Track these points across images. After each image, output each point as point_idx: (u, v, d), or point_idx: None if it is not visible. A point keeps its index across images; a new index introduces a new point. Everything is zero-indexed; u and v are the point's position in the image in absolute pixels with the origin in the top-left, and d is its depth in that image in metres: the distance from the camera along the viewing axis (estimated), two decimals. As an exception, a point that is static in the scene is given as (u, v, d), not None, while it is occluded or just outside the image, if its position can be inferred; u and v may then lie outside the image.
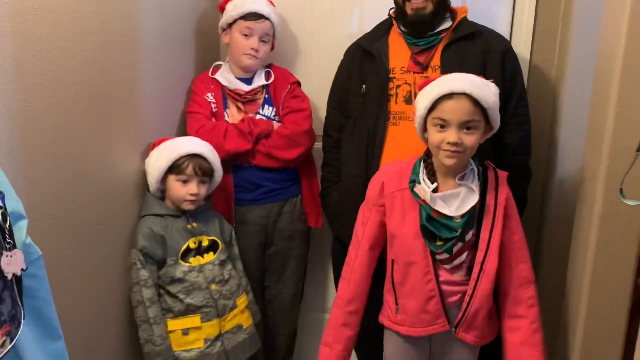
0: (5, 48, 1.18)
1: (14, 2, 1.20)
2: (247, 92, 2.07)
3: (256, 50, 2.04)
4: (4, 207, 0.87)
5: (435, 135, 1.49)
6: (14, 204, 0.95)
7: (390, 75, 1.88)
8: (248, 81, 2.10)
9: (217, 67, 2.15)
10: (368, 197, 1.67)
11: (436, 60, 1.85)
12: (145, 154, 1.87)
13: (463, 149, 1.47)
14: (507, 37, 2.20)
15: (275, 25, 2.09)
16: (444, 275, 1.58)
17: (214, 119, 2.06)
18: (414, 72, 1.86)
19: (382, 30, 1.98)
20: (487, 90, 1.49)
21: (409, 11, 1.84)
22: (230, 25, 2.08)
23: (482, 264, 1.54)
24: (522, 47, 2.21)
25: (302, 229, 2.21)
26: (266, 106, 2.10)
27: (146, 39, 1.81)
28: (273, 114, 2.10)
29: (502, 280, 1.60)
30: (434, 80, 1.54)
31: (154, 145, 1.87)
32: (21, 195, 1.01)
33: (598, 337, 1.58)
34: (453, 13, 1.91)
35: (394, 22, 1.95)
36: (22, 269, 0.89)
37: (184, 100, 2.15)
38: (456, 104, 1.46)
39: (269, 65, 2.18)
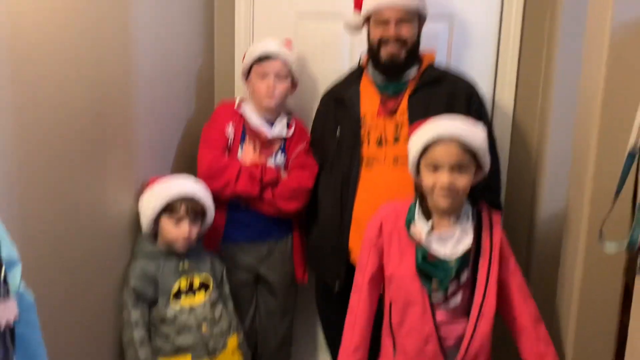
0: (4, 94, 1.22)
1: (13, 46, 1.24)
2: (269, 140, 2.12)
3: (273, 89, 2.08)
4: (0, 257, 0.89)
5: (428, 178, 1.54)
6: (8, 250, 0.96)
7: (362, 122, 1.96)
8: (270, 124, 2.14)
9: (242, 102, 2.19)
10: (366, 238, 1.69)
11: (404, 105, 1.93)
12: (139, 193, 1.89)
13: (456, 190, 1.51)
14: (492, 84, 2.28)
15: (290, 63, 2.13)
16: (441, 317, 1.58)
17: (227, 152, 2.08)
18: (383, 117, 1.94)
19: (352, 77, 2.08)
20: (475, 133, 1.54)
21: (383, 56, 1.92)
22: (248, 73, 2.14)
23: (480, 306, 1.55)
24: (506, 93, 2.27)
25: (293, 269, 2.22)
26: (280, 154, 2.15)
27: (142, 82, 1.86)
28: (283, 162, 2.15)
29: (519, 319, 1.61)
30: (424, 124, 1.59)
31: (147, 184, 1.90)
32: (15, 238, 1.03)
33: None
34: (420, 60, 1.99)
35: (365, 68, 2.03)
36: (14, 317, 0.90)
37: (178, 140, 2.20)
38: (446, 148, 1.51)
39: (291, 115, 2.22)
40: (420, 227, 1.57)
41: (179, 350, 1.79)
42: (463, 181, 1.51)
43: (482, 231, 1.58)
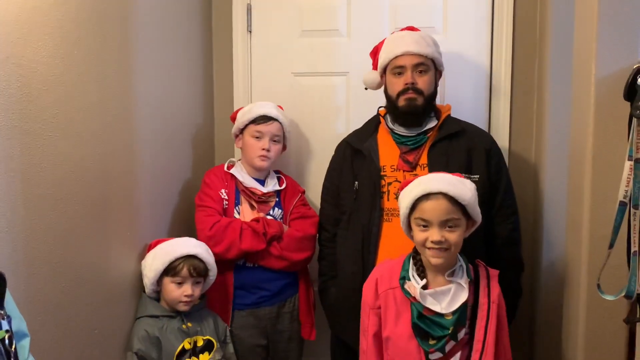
0: (13, 163, 1.26)
1: (21, 125, 1.29)
2: (263, 194, 2.15)
3: (268, 151, 2.13)
4: (11, 331, 0.91)
5: (419, 235, 1.54)
6: (17, 322, 0.99)
7: (382, 173, 1.96)
8: (261, 182, 2.18)
9: (231, 164, 2.23)
10: (364, 301, 1.68)
11: (424, 159, 1.93)
12: (142, 254, 1.91)
13: (447, 246, 1.50)
14: (486, 130, 2.33)
15: (285, 127, 2.19)
16: None
17: (224, 216, 2.10)
18: (404, 171, 1.94)
19: (370, 128, 2.08)
20: (462, 188, 1.54)
21: (401, 102, 1.93)
22: (242, 131, 2.19)
23: None
24: (500, 139, 2.32)
25: (299, 329, 2.20)
26: (276, 208, 2.17)
27: (144, 146, 1.91)
28: (280, 216, 2.17)
29: None
30: (412, 181, 1.61)
31: (150, 247, 1.92)
32: (22, 308, 1.05)
33: None
34: (438, 112, 2.02)
35: (382, 120, 2.05)
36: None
37: (177, 201, 2.23)
38: (434, 204, 1.52)
39: (278, 172, 2.28)
40: (414, 283, 1.56)
41: (184, 413, 1.77)
42: (454, 237, 1.51)
43: (480, 288, 1.57)
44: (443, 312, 1.52)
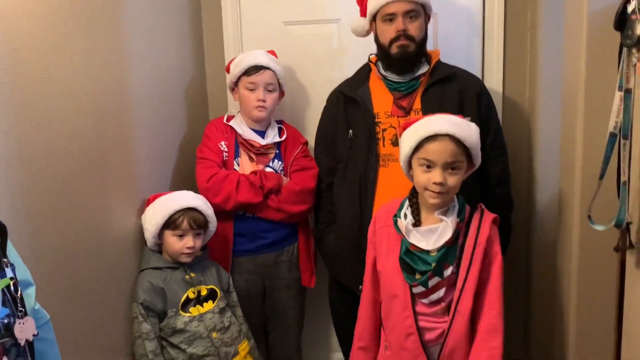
0: (7, 120, 1.26)
1: (13, 81, 1.29)
2: (262, 146, 2.15)
3: (263, 101, 2.11)
4: (15, 278, 0.93)
5: (421, 176, 1.55)
6: (22, 272, 1.01)
7: (376, 120, 1.97)
8: (261, 134, 2.18)
9: (231, 116, 2.23)
10: (368, 237, 1.74)
11: (417, 104, 1.95)
12: (141, 209, 1.93)
13: (447, 189, 1.52)
14: (480, 73, 2.32)
15: (278, 73, 2.17)
16: (423, 314, 1.59)
17: (223, 168, 2.12)
18: (397, 116, 1.95)
19: (362, 76, 2.08)
20: (469, 131, 1.55)
21: (394, 50, 1.93)
22: (236, 83, 2.17)
23: (457, 303, 1.54)
24: (494, 82, 2.32)
25: (300, 276, 2.24)
26: (276, 160, 2.17)
27: (137, 101, 1.90)
28: (281, 168, 2.17)
29: (478, 322, 1.56)
30: (416, 120, 1.61)
31: (148, 201, 1.94)
32: (27, 261, 1.07)
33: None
34: (428, 57, 2.02)
35: (373, 67, 2.05)
36: (33, 335, 0.94)
37: (175, 154, 2.24)
38: (440, 145, 1.51)
39: (281, 122, 2.27)
40: (404, 220, 1.59)
41: (192, 360, 1.83)
42: (454, 180, 1.52)
43: (469, 230, 1.58)
44: (429, 248, 1.55)
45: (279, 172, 2.17)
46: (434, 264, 1.53)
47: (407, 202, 1.64)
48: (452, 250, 1.55)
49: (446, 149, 1.51)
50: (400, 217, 1.61)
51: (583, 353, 1.70)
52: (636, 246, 1.15)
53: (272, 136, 2.18)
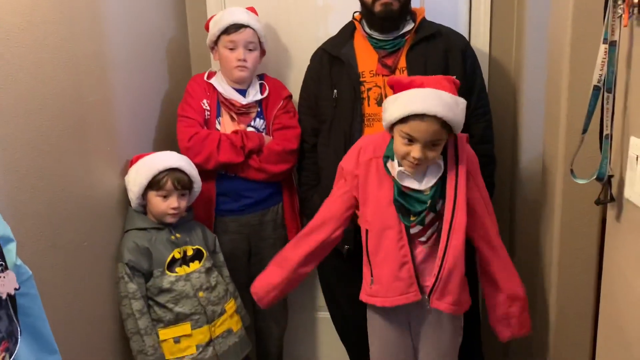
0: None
1: (-14, 34, 1.25)
2: (243, 105, 2.11)
3: (244, 61, 2.07)
4: (-6, 232, 0.92)
5: (401, 147, 1.54)
6: (2, 228, 1.00)
7: (361, 79, 1.95)
8: (243, 92, 2.14)
9: (212, 72, 2.18)
10: (342, 167, 1.72)
11: (402, 63, 1.93)
12: (124, 170, 1.91)
13: (425, 161, 1.54)
14: (466, 33, 2.29)
15: (259, 31, 2.11)
16: (418, 249, 1.63)
17: (205, 127, 2.09)
18: (383, 75, 1.93)
19: (346, 34, 2.05)
20: (456, 111, 1.52)
21: (377, 8, 1.90)
22: (215, 42, 2.12)
23: (450, 221, 1.56)
24: (480, 42, 2.30)
25: (285, 235, 2.25)
26: (258, 119, 2.15)
27: (117, 59, 1.86)
28: (263, 126, 2.15)
29: (486, 235, 1.64)
30: (405, 82, 1.56)
31: (131, 162, 1.91)
32: (7, 219, 1.06)
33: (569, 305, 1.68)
34: (413, 15, 2.00)
35: (358, 25, 2.01)
36: (15, 289, 0.94)
37: (158, 115, 2.20)
38: (426, 125, 1.49)
39: (262, 76, 2.22)
40: (396, 164, 1.60)
41: (178, 320, 1.84)
42: (433, 154, 1.53)
43: (447, 153, 1.59)
44: (421, 188, 1.57)
45: (261, 130, 2.14)
46: (429, 202, 1.55)
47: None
48: (440, 185, 1.58)
49: (431, 129, 1.50)
50: (392, 159, 1.60)
51: (564, 306, 1.74)
52: (617, 199, 1.16)
53: (254, 94, 2.14)
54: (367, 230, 1.67)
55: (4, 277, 0.92)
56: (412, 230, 1.60)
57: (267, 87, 2.17)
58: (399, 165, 1.59)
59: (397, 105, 1.53)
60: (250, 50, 2.09)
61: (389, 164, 1.61)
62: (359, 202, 1.68)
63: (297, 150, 2.13)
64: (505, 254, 1.67)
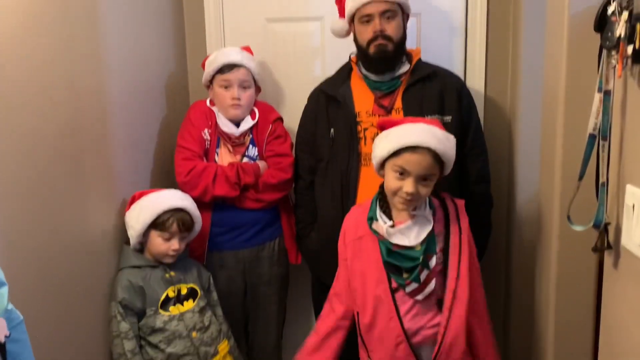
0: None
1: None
2: (237, 137, 2.13)
3: (238, 99, 2.09)
4: (-14, 278, 0.91)
5: (393, 182, 1.55)
6: (-6, 271, 0.98)
7: (357, 119, 1.97)
8: (237, 124, 2.15)
9: (213, 102, 2.19)
10: (338, 252, 1.73)
11: (398, 103, 1.95)
12: (120, 208, 1.90)
13: (417, 197, 1.54)
14: (462, 74, 2.33)
15: (253, 70, 2.14)
16: (408, 318, 1.59)
17: (204, 157, 2.10)
18: (379, 115, 1.95)
19: (343, 75, 2.08)
20: (447, 145, 1.55)
21: (372, 50, 1.93)
22: (211, 82, 2.15)
23: (454, 291, 1.56)
24: (476, 82, 2.33)
25: (281, 273, 2.24)
26: (251, 147, 2.16)
27: (116, 96, 1.87)
28: (256, 154, 2.16)
29: (475, 305, 1.61)
30: (394, 121, 1.61)
31: (133, 199, 1.90)
32: (0, 261, 1.04)
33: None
34: (409, 56, 2.02)
35: (354, 66, 2.04)
36: (5, 336, 0.92)
37: (155, 151, 2.21)
38: (419, 157, 1.51)
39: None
40: (382, 222, 1.58)
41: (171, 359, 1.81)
42: (425, 190, 1.54)
43: (450, 218, 1.60)
44: (412, 244, 1.55)
45: (255, 158, 2.15)
46: (421, 257, 1.53)
47: (377, 204, 1.63)
48: (431, 240, 1.57)
49: (423, 162, 1.51)
50: (377, 219, 1.60)
51: (561, 352, 1.72)
52: (614, 247, 1.16)
53: (244, 122, 2.15)
54: (357, 313, 1.65)
55: (-5, 323, 0.90)
56: (408, 289, 1.56)
57: (256, 112, 2.18)
58: (386, 220, 1.58)
59: (389, 140, 1.55)
60: (244, 88, 2.12)
61: (374, 225, 1.60)
62: (350, 284, 1.66)
63: (292, 179, 2.14)
64: (488, 327, 1.66)
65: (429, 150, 1.51)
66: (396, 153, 1.53)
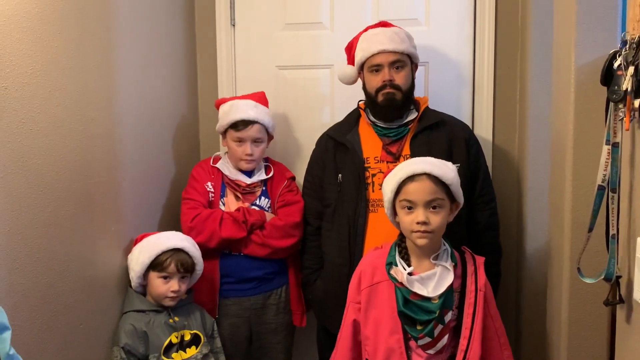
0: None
1: (1, 119, 1.28)
2: (248, 185, 2.14)
3: (251, 155, 2.11)
4: (-10, 323, 0.90)
5: (404, 218, 1.55)
6: (-1, 315, 0.98)
7: (365, 165, 1.98)
8: (248, 173, 2.17)
9: (218, 157, 2.22)
10: (348, 293, 1.69)
11: (406, 150, 1.96)
12: (127, 249, 1.90)
13: (432, 228, 1.52)
14: (469, 121, 2.35)
15: (267, 125, 2.16)
16: (424, 354, 1.56)
17: (208, 208, 2.10)
18: (387, 162, 1.96)
19: (351, 121, 2.10)
20: (445, 169, 1.58)
21: (380, 98, 1.95)
22: (224, 133, 2.17)
23: (465, 351, 1.52)
24: (484, 130, 2.35)
25: (287, 321, 2.20)
26: (262, 197, 2.17)
27: (127, 139, 1.90)
28: (268, 205, 2.16)
29: None
30: (395, 167, 1.64)
31: (136, 241, 1.91)
32: (4, 303, 1.04)
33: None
34: (417, 104, 2.05)
35: (363, 112, 2.06)
36: (6, 382, 0.91)
37: (163, 195, 2.22)
38: (419, 185, 1.54)
39: (267, 159, 2.27)
40: (401, 268, 1.57)
41: (172, 408, 1.77)
42: (438, 219, 1.53)
43: (467, 274, 1.58)
44: (430, 295, 1.52)
45: (267, 209, 2.15)
46: (437, 311, 1.50)
47: (396, 249, 1.62)
48: (449, 295, 1.54)
49: (425, 188, 1.53)
50: (397, 265, 1.58)
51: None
52: (626, 300, 1.14)
53: (258, 174, 2.17)
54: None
55: (-4, 369, 0.89)
56: (420, 342, 1.53)
57: (272, 169, 2.21)
58: (405, 267, 1.56)
59: (389, 180, 1.60)
60: (257, 143, 2.13)
61: (393, 271, 1.58)
62: (361, 327, 1.63)
63: (300, 223, 2.12)
64: None
65: (427, 175, 1.54)
66: (399, 190, 1.56)
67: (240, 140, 2.11)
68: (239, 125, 2.11)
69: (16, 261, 1.33)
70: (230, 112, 2.13)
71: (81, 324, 1.62)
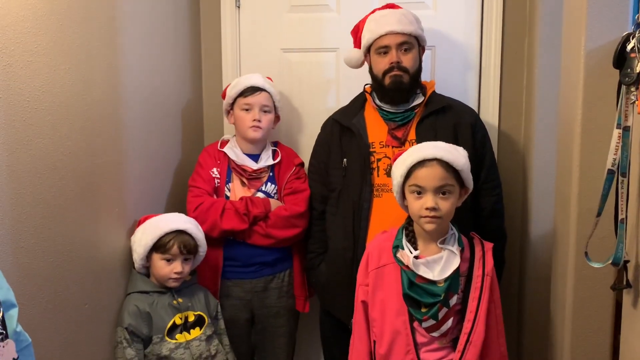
0: (-3, 139, 1.25)
1: (6, 97, 1.27)
2: (254, 170, 2.13)
3: (259, 121, 2.11)
4: (-3, 299, 0.90)
5: (413, 203, 1.55)
6: (5, 293, 0.98)
7: (371, 150, 1.97)
8: (255, 157, 2.16)
9: (225, 141, 2.22)
10: (357, 276, 1.70)
11: (412, 135, 1.95)
12: (131, 230, 1.90)
13: (440, 214, 1.52)
14: (476, 106, 2.33)
15: (274, 96, 2.18)
16: (424, 351, 1.57)
17: (214, 195, 2.10)
18: (392, 147, 1.95)
19: (357, 105, 2.08)
20: (456, 154, 1.57)
21: (387, 81, 1.94)
22: (232, 105, 2.17)
23: (469, 334, 1.53)
24: (490, 115, 2.33)
25: (290, 305, 2.19)
26: (269, 183, 2.16)
27: (131, 122, 1.89)
28: (274, 191, 2.15)
29: (489, 354, 1.57)
30: (406, 150, 1.63)
31: (139, 222, 1.91)
32: (10, 281, 1.04)
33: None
34: (423, 88, 2.03)
35: (369, 97, 2.05)
36: (13, 358, 0.91)
37: (169, 178, 2.22)
38: (429, 170, 1.53)
39: (276, 143, 2.26)
40: (408, 252, 1.57)
41: (176, 388, 1.78)
42: (447, 205, 1.53)
43: (475, 260, 1.58)
44: (436, 279, 1.53)
45: (273, 195, 2.14)
46: (442, 295, 1.51)
47: (403, 233, 1.62)
48: (455, 278, 1.54)
49: (435, 173, 1.53)
50: (403, 248, 1.58)
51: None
52: (634, 285, 1.13)
53: (265, 159, 2.16)
54: (374, 341, 1.63)
55: (4, 346, 0.89)
56: (425, 324, 1.54)
57: (279, 154, 2.19)
58: (412, 250, 1.57)
59: (399, 164, 1.59)
60: (265, 112, 2.13)
61: (399, 254, 1.58)
62: (369, 309, 1.64)
63: (305, 213, 2.10)
64: None
65: (437, 160, 1.53)
66: (408, 175, 1.56)
67: (249, 108, 2.11)
68: (247, 91, 2.12)
69: (21, 240, 1.33)
70: (238, 83, 2.16)
71: (86, 304, 1.62)
